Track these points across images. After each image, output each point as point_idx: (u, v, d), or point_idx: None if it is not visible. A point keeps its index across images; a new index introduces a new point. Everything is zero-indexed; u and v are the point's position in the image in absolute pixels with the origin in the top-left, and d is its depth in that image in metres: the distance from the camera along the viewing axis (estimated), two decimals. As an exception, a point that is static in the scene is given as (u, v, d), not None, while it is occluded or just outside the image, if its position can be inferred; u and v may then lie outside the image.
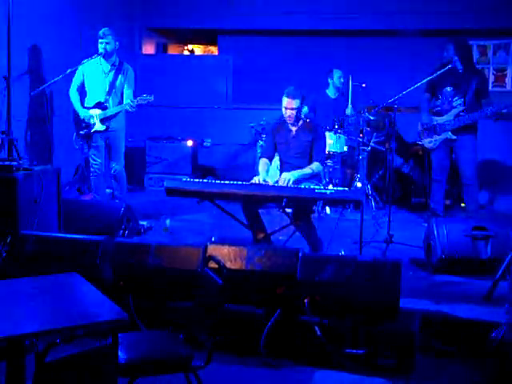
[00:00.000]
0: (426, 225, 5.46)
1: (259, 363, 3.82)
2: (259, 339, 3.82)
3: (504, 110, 5.75)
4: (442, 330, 4.00)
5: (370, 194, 6.89)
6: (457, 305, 4.20)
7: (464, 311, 4.08)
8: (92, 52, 6.02)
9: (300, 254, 3.94)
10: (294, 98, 5.08)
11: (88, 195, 6.92)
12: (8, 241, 4.27)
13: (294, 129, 5.22)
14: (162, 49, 10.28)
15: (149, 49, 9.46)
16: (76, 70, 6.02)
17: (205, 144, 8.41)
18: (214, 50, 10.58)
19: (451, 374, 3.75)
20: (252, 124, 7.42)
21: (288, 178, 4.93)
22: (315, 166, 5.12)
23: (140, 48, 9.01)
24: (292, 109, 5.08)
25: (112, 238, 4.36)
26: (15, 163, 4.64)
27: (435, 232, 4.93)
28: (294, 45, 8.74)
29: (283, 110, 5.14)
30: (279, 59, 8.77)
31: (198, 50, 11.84)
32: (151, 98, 5.96)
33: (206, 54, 11.72)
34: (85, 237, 4.30)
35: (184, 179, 5.44)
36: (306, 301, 3.79)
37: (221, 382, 3.62)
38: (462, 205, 6.58)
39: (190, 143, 8.17)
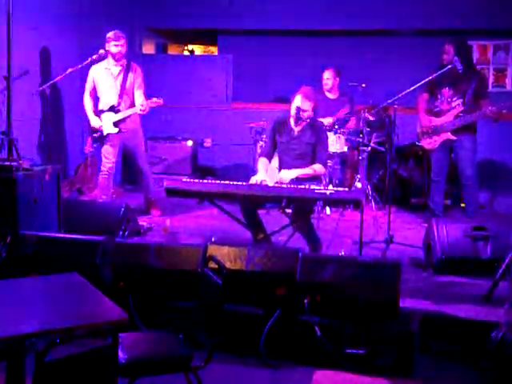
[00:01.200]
0: (426, 225, 5.46)
1: (259, 363, 3.82)
2: (259, 339, 3.83)
3: (503, 111, 5.76)
4: (442, 330, 4.00)
5: (370, 194, 6.89)
6: (457, 305, 4.20)
7: (464, 311, 4.09)
8: (92, 51, 6.03)
9: (300, 254, 3.94)
10: (309, 99, 5.01)
11: (89, 195, 6.92)
12: (8, 241, 4.27)
13: (296, 129, 5.13)
14: (161, 49, 10.28)
15: (149, 49, 9.46)
16: (76, 69, 6.03)
17: (205, 144, 8.41)
18: (214, 50, 10.58)
19: (451, 373, 3.75)
20: (252, 124, 7.42)
21: (288, 175, 4.92)
22: (317, 167, 5.07)
23: (140, 48, 9.01)
24: (303, 110, 5.01)
25: (112, 238, 4.36)
26: (15, 163, 4.64)
27: (435, 232, 4.93)
28: (294, 45, 8.74)
29: (293, 108, 5.05)
30: (279, 59, 8.76)
31: (198, 50, 11.84)
32: (161, 101, 6.09)
33: (205, 54, 11.72)
34: (85, 237, 4.31)
35: (184, 179, 5.44)
36: (306, 301, 3.80)
37: (221, 382, 3.62)
38: (462, 205, 6.58)
39: (189, 143, 8.17)
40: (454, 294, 4.46)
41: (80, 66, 6.07)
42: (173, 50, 10.89)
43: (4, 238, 4.29)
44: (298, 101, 5.03)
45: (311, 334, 3.78)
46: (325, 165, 5.24)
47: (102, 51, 6.02)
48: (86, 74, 6.31)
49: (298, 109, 5.01)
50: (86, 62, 6.04)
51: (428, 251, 5.07)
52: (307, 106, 5.02)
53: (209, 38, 10.10)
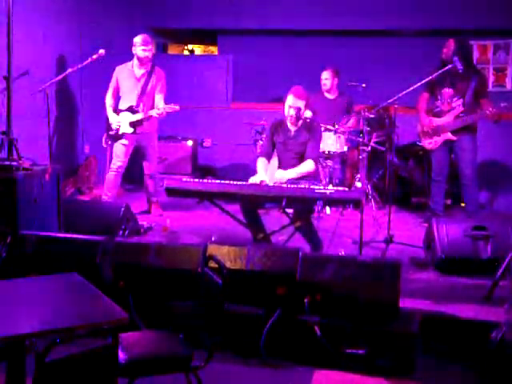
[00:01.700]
0: (426, 225, 5.46)
1: (259, 363, 3.82)
2: (259, 339, 3.83)
3: (503, 111, 5.75)
4: (442, 330, 4.00)
5: (370, 194, 6.89)
6: (457, 305, 4.20)
7: (464, 311, 4.08)
8: (92, 51, 6.04)
9: (300, 254, 3.94)
10: (299, 98, 5.04)
11: (89, 195, 6.91)
12: (8, 241, 4.27)
13: (293, 129, 5.16)
14: (162, 49, 10.28)
15: (149, 49, 9.44)
16: (75, 70, 6.05)
17: (205, 144, 8.41)
18: (214, 50, 10.58)
19: (451, 374, 3.75)
20: (252, 124, 7.42)
21: (283, 175, 4.92)
22: (308, 163, 5.03)
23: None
24: (296, 108, 5.03)
25: (112, 238, 4.36)
26: (15, 163, 4.64)
27: (435, 232, 4.93)
28: (294, 45, 8.74)
29: (286, 108, 5.09)
30: (279, 59, 8.76)
31: (198, 49, 11.85)
32: (177, 107, 6.16)
33: (205, 53, 11.72)
34: (85, 237, 4.30)
35: (184, 179, 5.44)
36: (306, 301, 3.79)
37: (221, 382, 3.62)
38: (462, 205, 6.58)
39: (190, 143, 8.17)
40: (453, 294, 4.46)
41: (80, 66, 6.07)
42: (173, 50, 10.89)
43: (4, 238, 4.29)
44: (290, 100, 5.06)
45: (311, 333, 3.78)
46: (315, 160, 5.15)
47: (101, 51, 6.02)
48: (86, 74, 6.32)
49: (298, 109, 5.02)
50: (86, 61, 6.04)
51: (428, 251, 5.07)
52: (300, 104, 5.04)
53: (209, 38, 10.10)
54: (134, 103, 6.21)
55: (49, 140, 5.74)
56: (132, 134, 6.22)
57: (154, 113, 6.16)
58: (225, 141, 8.30)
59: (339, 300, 3.83)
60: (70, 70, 5.98)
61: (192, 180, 5.14)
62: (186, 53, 11.43)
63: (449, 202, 7.00)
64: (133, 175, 7.39)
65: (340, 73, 7.24)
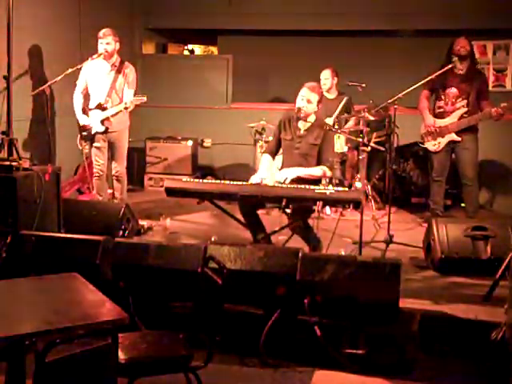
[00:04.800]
0: (426, 225, 5.46)
1: (259, 363, 3.82)
2: (259, 339, 3.83)
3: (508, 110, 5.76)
4: (442, 330, 4.00)
5: (369, 194, 6.89)
6: (457, 305, 4.20)
7: (464, 311, 4.09)
8: (92, 52, 6.03)
9: (300, 254, 3.94)
10: (313, 90, 5.00)
11: (89, 195, 6.91)
12: (8, 241, 4.27)
13: (302, 127, 5.09)
14: (162, 49, 10.28)
15: (149, 49, 9.45)
16: (76, 70, 6.03)
17: (205, 144, 8.41)
18: (214, 50, 10.59)
19: (451, 373, 3.75)
20: (252, 124, 7.42)
21: (286, 176, 4.88)
22: (324, 169, 5.01)
23: (140, 48, 9.00)
24: (308, 101, 4.98)
25: (112, 238, 4.36)
26: (15, 163, 4.64)
27: (435, 232, 4.93)
28: (294, 45, 8.74)
29: (298, 99, 5.02)
30: (279, 59, 8.76)
31: (198, 50, 11.85)
32: (144, 99, 5.95)
33: (205, 54, 11.73)
34: (85, 237, 4.30)
35: (184, 179, 5.44)
36: (305, 301, 3.79)
37: (221, 382, 3.62)
38: (462, 205, 6.58)
39: (190, 143, 8.17)
40: (454, 294, 4.46)
41: (80, 66, 6.06)
42: (173, 50, 10.88)
43: (4, 238, 4.29)
44: (303, 91, 5.01)
45: (311, 334, 3.78)
46: (330, 167, 5.12)
47: (101, 51, 6.01)
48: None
49: (309, 101, 4.96)
50: (86, 62, 6.02)
51: (428, 251, 5.07)
52: (312, 97, 5.00)
53: (209, 38, 10.11)
54: (101, 100, 6.01)
55: (49, 140, 5.73)
56: (104, 133, 6.05)
57: (122, 107, 5.93)
58: (225, 141, 8.30)
59: (339, 300, 3.83)
60: (70, 69, 5.97)
61: (192, 180, 5.14)
62: (186, 53, 11.43)
63: (449, 202, 6.99)
64: (133, 175, 7.40)
65: (340, 73, 7.23)
